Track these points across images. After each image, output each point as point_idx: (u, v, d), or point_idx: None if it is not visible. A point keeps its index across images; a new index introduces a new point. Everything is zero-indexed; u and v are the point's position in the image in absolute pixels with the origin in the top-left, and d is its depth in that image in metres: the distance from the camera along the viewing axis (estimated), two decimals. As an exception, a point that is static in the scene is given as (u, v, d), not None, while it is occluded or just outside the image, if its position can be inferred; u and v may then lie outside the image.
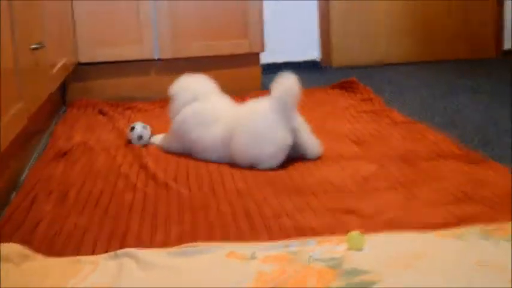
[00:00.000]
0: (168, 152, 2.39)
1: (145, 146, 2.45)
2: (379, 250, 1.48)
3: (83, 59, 3.35)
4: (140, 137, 2.48)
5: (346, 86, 3.39)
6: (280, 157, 2.15)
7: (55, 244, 1.60)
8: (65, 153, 2.36)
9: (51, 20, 2.66)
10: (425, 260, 1.42)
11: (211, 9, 3.41)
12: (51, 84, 2.55)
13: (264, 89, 3.55)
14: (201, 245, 1.53)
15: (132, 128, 2.50)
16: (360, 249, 1.48)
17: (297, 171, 2.09)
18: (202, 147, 2.29)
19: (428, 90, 3.39)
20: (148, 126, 2.52)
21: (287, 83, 2.18)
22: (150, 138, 2.50)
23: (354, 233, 1.51)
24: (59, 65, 2.75)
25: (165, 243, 1.59)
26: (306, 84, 3.70)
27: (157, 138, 2.50)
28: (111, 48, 3.36)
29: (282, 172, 2.09)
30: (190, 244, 1.54)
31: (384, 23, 4.36)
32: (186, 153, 2.33)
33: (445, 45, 4.41)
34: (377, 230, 1.60)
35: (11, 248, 1.51)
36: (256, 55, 3.52)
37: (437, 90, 3.39)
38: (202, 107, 2.36)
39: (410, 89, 3.47)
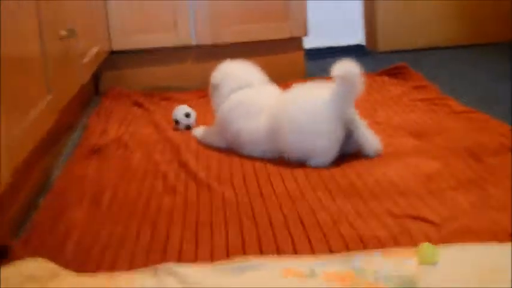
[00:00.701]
0: (209, 145, 2.21)
1: (186, 140, 2.27)
2: (455, 266, 1.29)
3: (116, 47, 3.19)
4: (188, 126, 2.44)
5: (395, 72, 3.18)
6: (333, 152, 1.95)
7: (88, 258, 1.43)
8: (98, 150, 2.19)
9: (81, 6, 2.49)
10: (508, 276, 1.23)
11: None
12: (82, 75, 2.38)
13: (308, 75, 3.37)
14: (252, 260, 1.35)
15: (177, 122, 2.44)
16: (432, 263, 1.30)
17: (353, 169, 1.90)
18: (246, 140, 2.10)
19: (483, 75, 3.17)
20: (191, 111, 2.45)
21: (351, 71, 1.96)
22: (195, 121, 2.45)
23: (426, 245, 1.32)
24: (90, 54, 2.59)
25: (210, 255, 1.41)
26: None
27: (199, 131, 2.33)
28: (145, 34, 3.20)
29: (336, 170, 1.90)
30: (240, 259, 1.36)
31: (432, 3, 4.13)
32: (229, 148, 2.15)
33: (496, 27, 4.17)
34: (449, 240, 1.41)
35: (38, 264, 1.34)
36: (298, 39, 3.33)
37: (493, 75, 3.17)
38: (248, 95, 2.16)
39: (463, 74, 3.25)
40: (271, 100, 2.11)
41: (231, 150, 2.15)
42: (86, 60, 2.47)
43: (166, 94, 3.02)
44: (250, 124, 2.09)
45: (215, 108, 2.24)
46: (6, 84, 1.40)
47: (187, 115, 2.44)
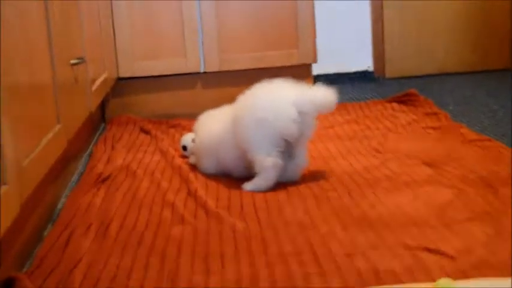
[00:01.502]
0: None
1: (194, 169, 2.24)
2: (473, 300, 1.25)
3: (124, 74, 3.16)
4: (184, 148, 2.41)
5: (405, 99, 3.15)
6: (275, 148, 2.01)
7: (95, 291, 1.39)
8: (105, 179, 2.16)
9: (91, 33, 2.47)
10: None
11: (260, 18, 3.21)
12: (91, 103, 2.36)
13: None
14: (265, 294, 1.31)
15: (184, 148, 2.41)
16: (451, 298, 1.26)
17: (365, 199, 1.86)
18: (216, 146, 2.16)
19: (495, 102, 3.13)
20: None
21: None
22: None
23: (443, 280, 1.28)
24: (98, 81, 2.56)
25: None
26: (359, 96, 3.53)
27: (192, 158, 2.36)
28: (153, 61, 3.17)
29: (348, 200, 1.86)
30: (252, 293, 1.32)
31: (441, 30, 4.11)
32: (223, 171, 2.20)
33: (506, 54, 4.14)
34: (466, 273, 1.37)
35: (44, 298, 1.30)
36: (307, 66, 3.30)
37: (505, 101, 3.13)
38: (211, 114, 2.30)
39: (475, 101, 3.21)
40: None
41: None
42: (94, 87, 2.44)
43: (174, 121, 2.99)
44: (216, 129, 2.16)
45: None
46: (18, 114, 1.38)
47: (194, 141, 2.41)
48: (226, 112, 2.18)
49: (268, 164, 2.00)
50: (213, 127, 2.20)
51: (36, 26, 1.64)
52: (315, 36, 3.26)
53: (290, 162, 2.07)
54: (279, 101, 2.01)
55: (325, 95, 2.03)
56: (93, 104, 2.42)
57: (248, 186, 2.04)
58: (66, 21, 2.02)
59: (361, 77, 4.11)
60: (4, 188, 1.24)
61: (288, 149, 2.04)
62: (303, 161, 2.11)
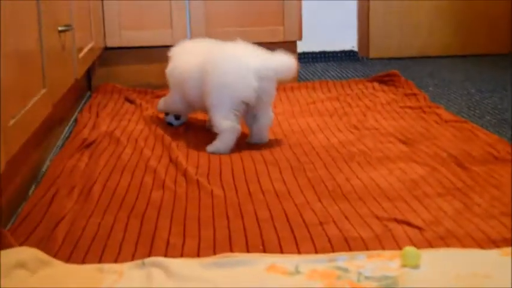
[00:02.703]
0: (170, 111, 2.46)
1: (176, 138, 2.30)
2: (437, 269, 1.31)
3: (110, 43, 3.20)
4: (178, 117, 2.50)
5: (386, 79, 3.20)
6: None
7: (76, 248, 1.45)
8: (89, 144, 2.21)
9: (79, 2, 2.50)
10: (492, 282, 1.25)
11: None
12: (77, 70, 2.40)
13: (300, 79, 3.39)
14: (238, 256, 1.37)
15: (167, 113, 2.51)
16: (415, 266, 1.32)
17: (341, 173, 1.92)
18: (184, 78, 2.30)
19: (474, 86, 3.20)
20: None
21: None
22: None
23: (410, 249, 1.34)
24: (85, 50, 2.60)
25: (197, 250, 1.44)
26: (342, 75, 3.58)
27: (160, 102, 2.53)
28: (140, 32, 3.20)
29: (324, 173, 1.92)
30: (226, 254, 1.38)
31: (425, 13, 4.15)
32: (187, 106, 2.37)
33: (489, 38, 4.20)
34: (432, 244, 1.44)
35: (26, 252, 1.35)
36: (292, 43, 3.34)
37: (484, 85, 3.20)
38: (186, 46, 2.45)
39: (454, 83, 3.28)
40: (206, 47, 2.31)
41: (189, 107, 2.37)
42: (81, 55, 2.48)
43: (159, 92, 3.03)
44: (187, 63, 2.30)
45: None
46: (4, 77, 1.42)
47: None
48: (199, 50, 2.32)
49: (225, 128, 2.11)
50: (183, 61, 2.34)
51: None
52: (300, 14, 3.29)
53: (255, 124, 2.18)
54: (240, 68, 2.12)
55: (286, 62, 2.13)
56: (79, 71, 2.46)
57: (209, 148, 2.15)
58: (56, -12, 2.05)
59: (345, 56, 4.15)
60: (-10, 146, 1.29)
61: (250, 111, 2.16)
62: (267, 121, 2.21)
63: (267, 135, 2.24)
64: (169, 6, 3.19)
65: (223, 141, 2.13)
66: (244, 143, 2.21)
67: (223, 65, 2.15)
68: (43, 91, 1.81)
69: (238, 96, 2.11)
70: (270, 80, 2.14)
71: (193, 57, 2.29)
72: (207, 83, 2.16)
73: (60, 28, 2.04)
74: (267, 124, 2.21)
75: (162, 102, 2.50)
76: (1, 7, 1.43)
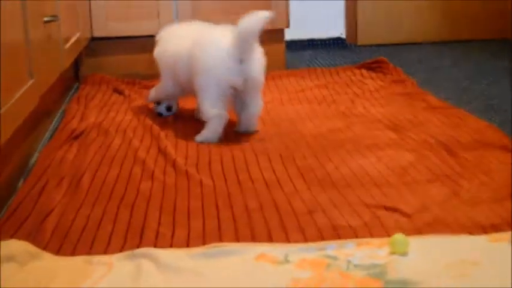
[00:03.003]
0: (162, 98, 2.45)
1: (164, 128, 2.29)
2: (426, 256, 1.32)
3: (97, 34, 3.18)
4: (169, 108, 2.50)
5: (374, 66, 3.20)
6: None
7: (65, 240, 1.45)
8: (78, 135, 2.20)
9: (65, -9, 2.49)
10: (480, 269, 1.26)
11: (233, -18, 3.24)
12: (64, 60, 2.39)
13: (288, 66, 3.39)
14: (227, 246, 1.38)
15: (158, 103, 2.51)
16: (403, 254, 1.32)
17: (329, 160, 1.92)
18: (174, 61, 2.30)
19: (461, 72, 3.21)
20: None
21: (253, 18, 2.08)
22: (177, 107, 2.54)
23: (398, 236, 1.35)
24: (72, 40, 2.59)
25: (186, 240, 1.44)
26: (330, 62, 3.58)
27: (151, 92, 2.51)
28: (127, 22, 3.20)
29: (313, 161, 1.92)
30: (215, 244, 1.38)
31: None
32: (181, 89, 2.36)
33: (477, 24, 4.21)
34: (421, 231, 1.45)
35: (15, 245, 1.35)
36: (280, 31, 3.34)
37: (471, 71, 3.21)
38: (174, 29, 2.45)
39: (442, 69, 3.28)
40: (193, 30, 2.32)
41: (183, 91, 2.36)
42: (67, 45, 2.47)
43: (147, 82, 3.02)
44: (177, 45, 2.30)
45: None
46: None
47: None
48: (187, 33, 2.32)
49: (213, 115, 2.11)
50: (173, 43, 2.35)
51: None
52: (288, 1, 3.29)
53: (243, 112, 2.18)
54: (216, 52, 2.12)
55: (248, 20, 2.09)
56: (66, 62, 2.45)
57: (198, 138, 2.15)
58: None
59: (333, 43, 4.16)
60: (-23, 138, 1.28)
61: (239, 99, 2.15)
62: (256, 109, 2.20)
63: (256, 124, 2.23)
64: (155, -4, 3.18)
65: (211, 129, 2.13)
66: (232, 132, 2.21)
67: (210, 49, 2.14)
68: (30, 82, 1.80)
69: (224, 80, 2.10)
70: (247, 47, 2.11)
71: (183, 40, 2.29)
72: (194, 66, 2.17)
73: (45, 19, 2.03)
74: (255, 113, 2.20)
75: (153, 92, 2.49)
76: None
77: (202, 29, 2.29)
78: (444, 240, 1.39)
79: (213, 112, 2.11)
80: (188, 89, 2.30)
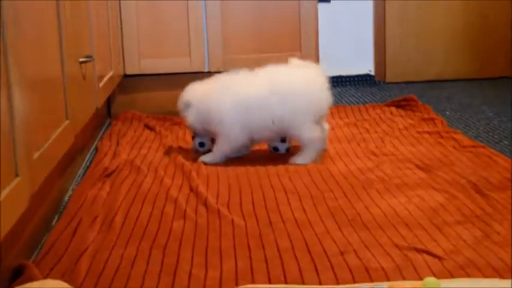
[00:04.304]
0: (224, 159, 2.41)
1: (196, 165, 2.31)
2: (458, 298, 1.32)
3: (130, 71, 3.23)
4: (202, 144, 2.52)
5: (403, 104, 3.21)
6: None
7: (100, 279, 1.47)
8: (110, 173, 2.23)
9: (99, 31, 2.54)
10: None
11: (263, 20, 3.28)
12: (98, 99, 2.43)
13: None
14: (260, 287, 1.39)
15: (194, 136, 2.53)
16: (436, 296, 1.33)
17: (360, 201, 1.93)
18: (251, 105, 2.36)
19: (491, 110, 3.20)
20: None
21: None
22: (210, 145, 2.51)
23: (430, 279, 1.35)
24: (105, 78, 2.63)
25: (219, 282, 1.45)
26: (359, 100, 3.60)
27: (207, 157, 2.41)
28: (158, 59, 3.24)
29: (343, 201, 1.93)
30: (248, 286, 1.39)
31: (441, 37, 4.17)
32: (250, 139, 2.41)
33: (506, 62, 4.20)
34: (452, 273, 1.45)
35: (52, 285, 1.37)
36: (309, 69, 3.36)
37: (502, 109, 3.20)
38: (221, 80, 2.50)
39: (472, 108, 3.28)
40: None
41: (252, 141, 2.43)
42: (101, 84, 2.51)
43: (178, 119, 3.05)
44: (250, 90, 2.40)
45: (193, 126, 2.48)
46: (29, 110, 1.45)
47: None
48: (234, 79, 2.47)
49: (314, 138, 2.36)
50: (232, 93, 2.41)
51: (48, 24, 1.72)
52: (317, 39, 3.32)
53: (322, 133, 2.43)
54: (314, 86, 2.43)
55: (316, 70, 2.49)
56: (100, 100, 2.49)
57: (297, 160, 2.36)
58: (76, 20, 2.09)
59: (362, 80, 4.17)
60: (17, 179, 1.31)
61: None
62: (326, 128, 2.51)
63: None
64: (187, 34, 3.22)
65: (311, 152, 2.36)
66: (262, 170, 2.23)
67: (298, 88, 2.37)
68: (66, 122, 1.84)
69: (319, 110, 2.37)
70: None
71: (251, 88, 2.41)
72: (286, 109, 2.33)
73: (81, 59, 2.07)
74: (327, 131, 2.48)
75: (209, 156, 2.42)
76: (26, 39, 1.46)
77: (275, 74, 2.49)
78: (475, 283, 1.39)
79: (313, 136, 2.34)
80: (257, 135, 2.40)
